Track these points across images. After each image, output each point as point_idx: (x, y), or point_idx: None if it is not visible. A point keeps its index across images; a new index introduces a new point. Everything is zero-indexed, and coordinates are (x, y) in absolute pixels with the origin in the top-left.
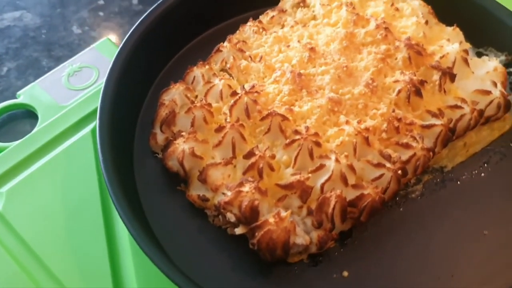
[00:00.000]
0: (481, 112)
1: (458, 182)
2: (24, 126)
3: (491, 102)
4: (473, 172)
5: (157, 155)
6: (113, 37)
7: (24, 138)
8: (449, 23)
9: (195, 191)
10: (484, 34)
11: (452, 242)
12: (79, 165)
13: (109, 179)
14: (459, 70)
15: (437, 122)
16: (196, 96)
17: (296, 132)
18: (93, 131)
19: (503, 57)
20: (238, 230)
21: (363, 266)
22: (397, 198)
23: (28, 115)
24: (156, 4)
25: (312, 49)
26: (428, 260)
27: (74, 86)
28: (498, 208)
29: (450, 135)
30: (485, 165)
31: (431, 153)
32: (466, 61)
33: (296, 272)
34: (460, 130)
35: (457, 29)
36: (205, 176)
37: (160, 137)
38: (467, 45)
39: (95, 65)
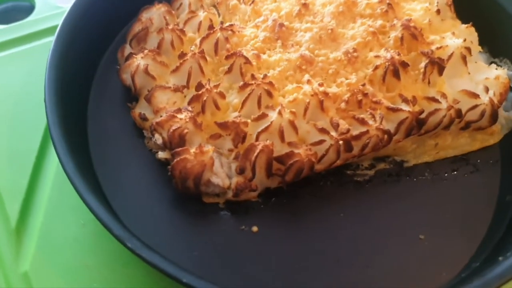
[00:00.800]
0: (458, 112)
1: (415, 180)
2: (22, 16)
3: (475, 106)
4: (435, 176)
5: (117, 67)
6: None
7: (10, 25)
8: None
9: (139, 109)
10: (503, 43)
11: (382, 236)
12: None
13: (48, 84)
14: (454, 67)
15: (405, 108)
16: (178, 23)
17: (253, 77)
18: None
19: None
20: (162, 154)
21: (275, 227)
22: (343, 177)
23: (31, 9)
24: None
25: (304, 5)
26: (347, 245)
27: None
28: (444, 219)
29: (416, 125)
30: (453, 173)
31: (386, 136)
32: (464, 58)
33: (207, 213)
34: (430, 125)
35: (472, 29)
36: (150, 96)
37: (128, 51)
38: (478, 48)
39: None
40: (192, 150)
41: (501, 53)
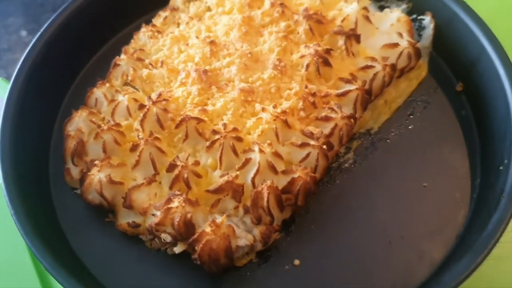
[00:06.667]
0: (393, 66)
1: (388, 141)
2: None
3: (401, 53)
4: (400, 127)
5: (76, 191)
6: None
7: None
8: None
9: (124, 219)
10: None
11: (395, 202)
12: None
13: (21, 225)
14: (363, 29)
15: (351, 87)
16: (103, 119)
17: (215, 132)
18: None
19: (404, 6)
20: (177, 249)
21: (313, 249)
22: (331, 172)
23: None
24: (39, 33)
25: (212, 42)
26: (375, 227)
27: None
28: (432, 158)
29: (368, 97)
30: (411, 116)
31: (352, 120)
32: (367, 18)
33: (247, 274)
34: (376, 89)
35: None
36: (129, 202)
37: (75, 171)
38: (366, 1)
39: None
40: (208, 229)
41: None
